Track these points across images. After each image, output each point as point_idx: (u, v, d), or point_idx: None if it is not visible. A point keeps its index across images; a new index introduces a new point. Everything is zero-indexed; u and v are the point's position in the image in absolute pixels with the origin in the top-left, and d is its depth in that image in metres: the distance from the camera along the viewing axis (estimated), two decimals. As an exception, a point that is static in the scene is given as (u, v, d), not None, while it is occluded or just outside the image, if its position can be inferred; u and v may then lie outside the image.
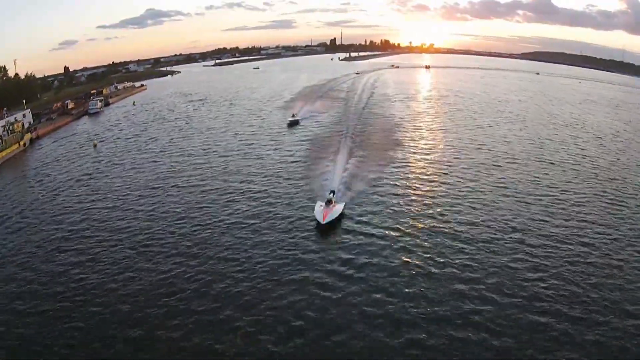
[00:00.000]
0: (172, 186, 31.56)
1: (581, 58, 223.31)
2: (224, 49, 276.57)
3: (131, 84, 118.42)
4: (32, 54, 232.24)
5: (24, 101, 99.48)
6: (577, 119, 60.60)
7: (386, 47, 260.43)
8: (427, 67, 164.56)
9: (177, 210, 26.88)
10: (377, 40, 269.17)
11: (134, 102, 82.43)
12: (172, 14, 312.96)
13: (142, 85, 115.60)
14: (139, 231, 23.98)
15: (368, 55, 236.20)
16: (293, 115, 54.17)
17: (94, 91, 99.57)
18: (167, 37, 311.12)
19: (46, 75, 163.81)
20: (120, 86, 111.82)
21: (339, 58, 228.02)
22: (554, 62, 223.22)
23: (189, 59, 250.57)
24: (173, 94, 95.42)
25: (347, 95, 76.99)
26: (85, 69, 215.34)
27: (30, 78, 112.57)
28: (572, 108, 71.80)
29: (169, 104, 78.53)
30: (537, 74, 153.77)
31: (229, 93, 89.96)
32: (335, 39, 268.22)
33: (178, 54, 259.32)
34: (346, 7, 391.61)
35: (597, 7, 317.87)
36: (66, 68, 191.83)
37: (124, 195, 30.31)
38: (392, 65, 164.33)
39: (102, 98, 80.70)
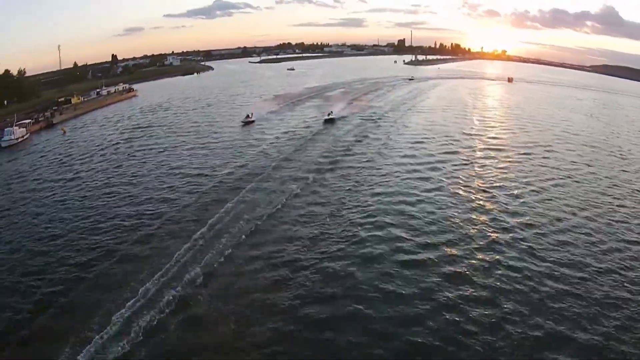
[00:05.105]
0: None
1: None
2: (289, 44, 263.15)
3: (124, 86, 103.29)
4: (97, 39, 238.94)
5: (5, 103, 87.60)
6: None
7: (456, 52, 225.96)
8: (509, 79, 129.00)
9: None
10: (447, 44, 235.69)
11: (64, 129, 61.33)
12: (241, 6, 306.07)
13: (131, 90, 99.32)
14: None
15: (437, 60, 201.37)
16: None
17: (62, 99, 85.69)
18: (234, 29, 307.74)
19: (87, 64, 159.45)
20: (105, 91, 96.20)
21: (403, 61, 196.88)
22: (622, 77, 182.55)
23: (245, 52, 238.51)
24: (144, 108, 75.27)
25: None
26: (145, 57, 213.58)
27: (10, 75, 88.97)
28: None
29: (101, 136, 54.29)
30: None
31: (191, 119, 63.10)
32: (404, 39, 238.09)
33: (242, 46, 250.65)
34: (417, 9, 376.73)
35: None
36: (114, 56, 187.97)
37: None
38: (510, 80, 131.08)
39: (29, 121, 61.19)
